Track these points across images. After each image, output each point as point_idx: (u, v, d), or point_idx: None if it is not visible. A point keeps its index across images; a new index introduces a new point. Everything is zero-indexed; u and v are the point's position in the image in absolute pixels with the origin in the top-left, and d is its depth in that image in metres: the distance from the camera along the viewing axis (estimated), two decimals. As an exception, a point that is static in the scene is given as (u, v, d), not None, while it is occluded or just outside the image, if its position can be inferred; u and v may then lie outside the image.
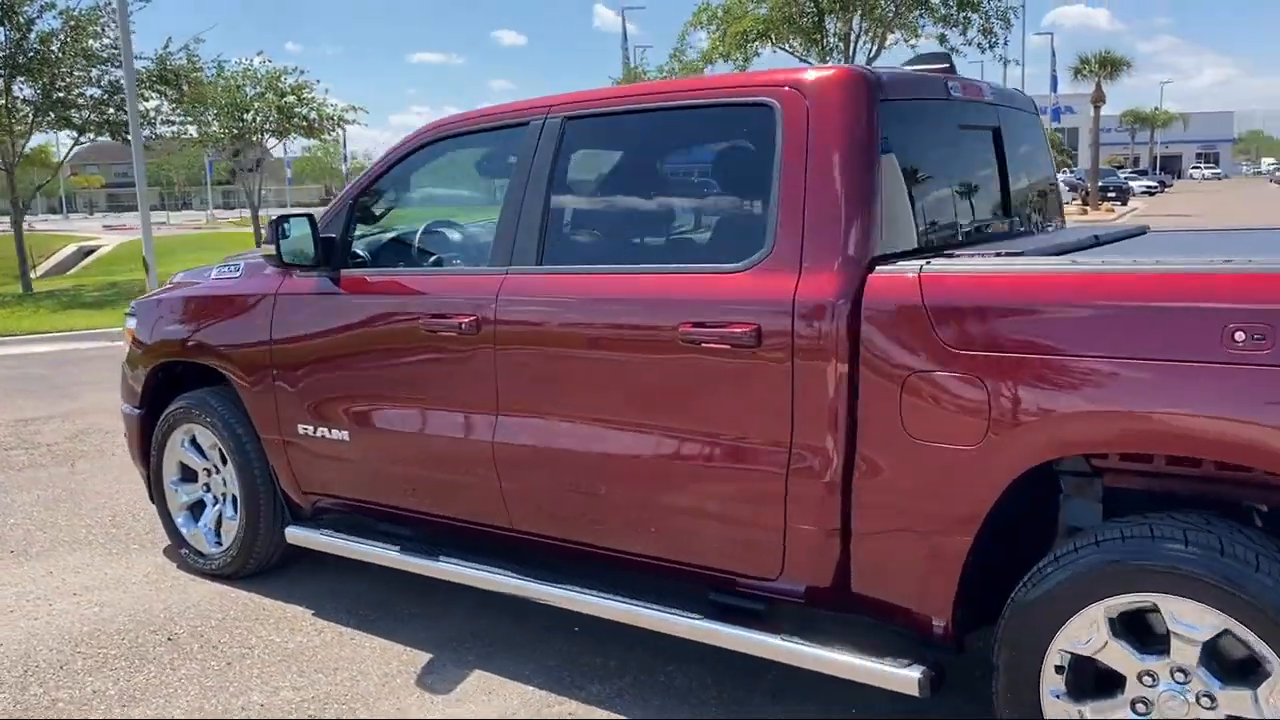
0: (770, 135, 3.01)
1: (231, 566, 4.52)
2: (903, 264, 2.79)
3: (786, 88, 3.01)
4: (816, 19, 25.66)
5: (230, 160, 26.85)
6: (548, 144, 3.49)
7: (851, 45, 26.20)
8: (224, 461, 4.50)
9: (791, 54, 26.94)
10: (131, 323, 4.82)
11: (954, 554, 2.69)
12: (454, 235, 4.20)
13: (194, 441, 4.64)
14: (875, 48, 26.80)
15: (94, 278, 24.83)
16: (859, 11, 25.58)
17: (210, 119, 24.77)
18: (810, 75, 3.04)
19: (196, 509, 4.71)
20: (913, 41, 26.68)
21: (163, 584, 4.57)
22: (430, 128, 3.95)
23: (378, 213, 4.20)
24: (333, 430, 4.02)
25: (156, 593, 4.47)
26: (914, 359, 2.69)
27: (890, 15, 26.00)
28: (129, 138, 21.02)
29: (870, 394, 2.77)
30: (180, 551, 4.73)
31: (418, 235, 4.18)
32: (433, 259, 4.06)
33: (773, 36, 26.03)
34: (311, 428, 4.08)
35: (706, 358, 3.02)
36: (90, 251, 34.00)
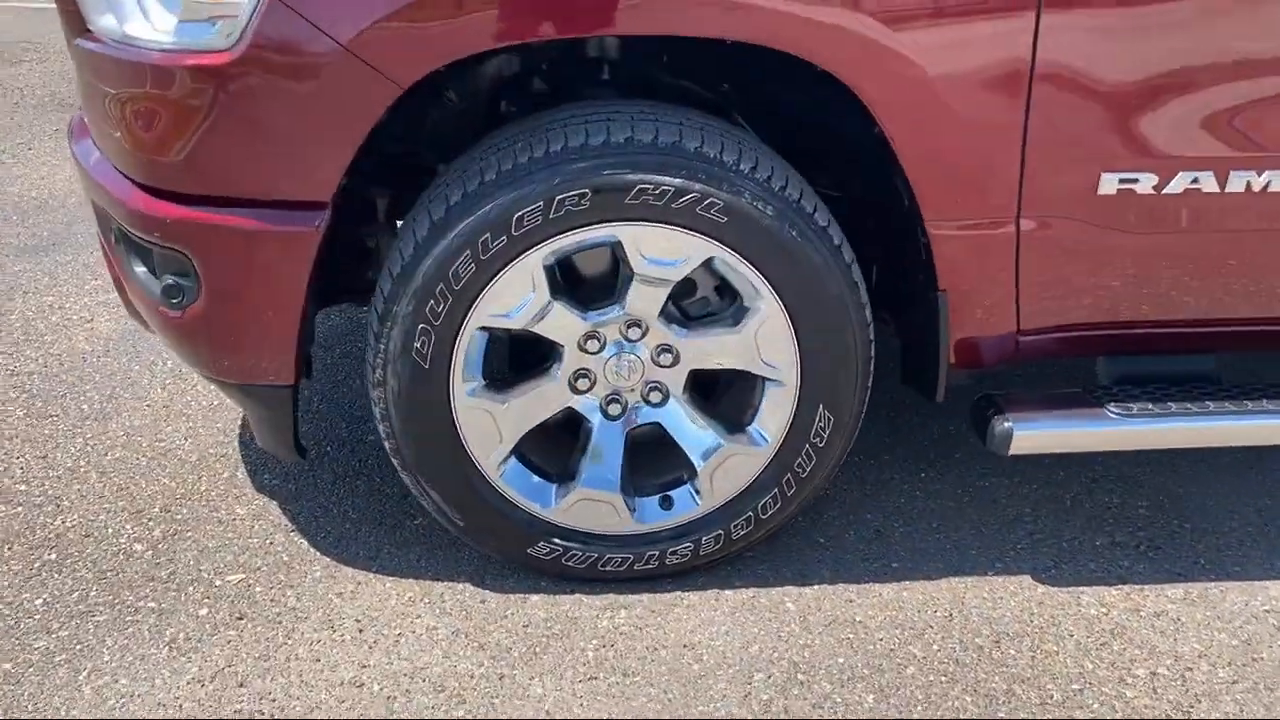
0: None
1: (729, 547, 1.84)
2: None
3: None
4: None
5: None
6: None
7: None
8: (728, 304, 1.73)
9: None
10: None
11: None
12: None
13: (555, 272, 1.67)
14: None
15: None
16: None
17: None
18: None
19: (544, 450, 1.82)
20: None
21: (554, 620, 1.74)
22: None
23: None
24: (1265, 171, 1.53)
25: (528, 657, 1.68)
26: None
27: None
28: None
29: None
30: (528, 551, 1.83)
31: None
32: None
33: None
34: (1161, 176, 1.54)
35: None
36: None
